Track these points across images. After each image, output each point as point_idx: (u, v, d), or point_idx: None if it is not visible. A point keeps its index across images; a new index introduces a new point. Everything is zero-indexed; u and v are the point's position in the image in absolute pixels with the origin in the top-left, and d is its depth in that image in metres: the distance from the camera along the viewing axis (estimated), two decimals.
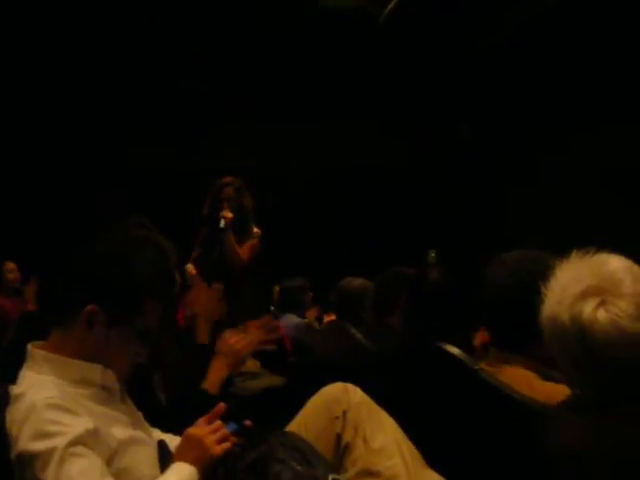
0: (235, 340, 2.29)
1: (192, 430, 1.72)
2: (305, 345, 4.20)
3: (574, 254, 1.52)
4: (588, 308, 1.39)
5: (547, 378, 1.92)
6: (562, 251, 1.56)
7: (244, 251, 4.25)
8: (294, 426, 2.07)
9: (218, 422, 1.73)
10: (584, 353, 1.41)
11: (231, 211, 4.21)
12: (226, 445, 1.68)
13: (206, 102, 8.49)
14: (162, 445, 1.80)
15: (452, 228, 8.67)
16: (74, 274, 1.71)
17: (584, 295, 1.41)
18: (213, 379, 2.21)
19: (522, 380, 1.91)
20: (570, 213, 7.39)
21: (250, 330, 2.33)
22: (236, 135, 8.80)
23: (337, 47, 7.97)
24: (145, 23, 7.35)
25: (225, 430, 1.72)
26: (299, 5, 7.43)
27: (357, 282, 3.84)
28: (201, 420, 1.75)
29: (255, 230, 4.41)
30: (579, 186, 7.48)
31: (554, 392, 1.76)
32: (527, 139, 8.22)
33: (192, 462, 1.64)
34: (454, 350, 2.06)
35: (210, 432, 1.69)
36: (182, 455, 1.67)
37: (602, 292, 1.40)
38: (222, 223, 4.15)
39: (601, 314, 1.38)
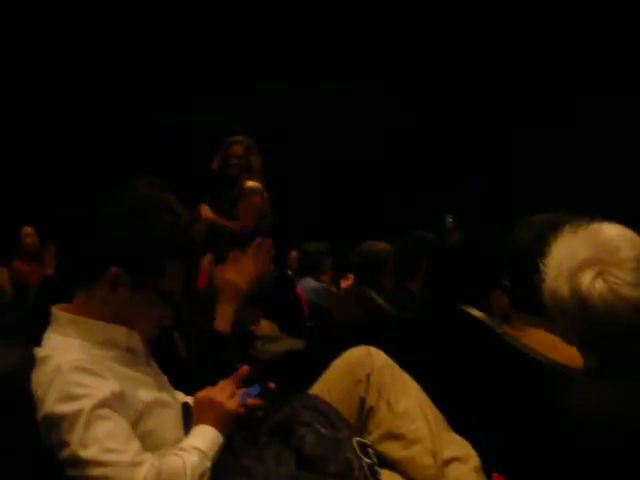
0: (229, 272, 2.21)
1: (201, 393, 1.74)
2: (323, 309, 4.20)
3: (567, 227, 1.50)
4: (586, 280, 1.38)
5: (569, 342, 1.91)
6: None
7: (244, 211, 4.16)
8: (317, 389, 2.07)
9: (227, 381, 1.75)
10: (586, 325, 1.40)
11: (238, 167, 4.20)
12: (237, 399, 1.70)
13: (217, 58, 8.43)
14: (186, 407, 1.81)
15: (469, 193, 8.63)
16: (97, 237, 1.70)
17: (581, 267, 1.40)
18: (222, 317, 2.15)
19: (546, 343, 1.90)
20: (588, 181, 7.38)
21: (241, 259, 2.24)
22: (252, 91, 8.74)
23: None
24: None
25: (233, 386, 1.73)
26: None
27: (378, 246, 3.80)
28: (225, 382, 1.76)
29: (250, 185, 4.28)
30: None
31: (578, 356, 1.75)
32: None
33: (212, 423, 1.66)
34: (477, 313, 2.05)
35: (220, 390, 1.71)
36: (201, 418, 1.69)
37: (598, 262, 1.39)
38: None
39: (599, 284, 1.37)
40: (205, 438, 1.62)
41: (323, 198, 8.43)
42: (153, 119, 8.39)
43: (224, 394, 1.70)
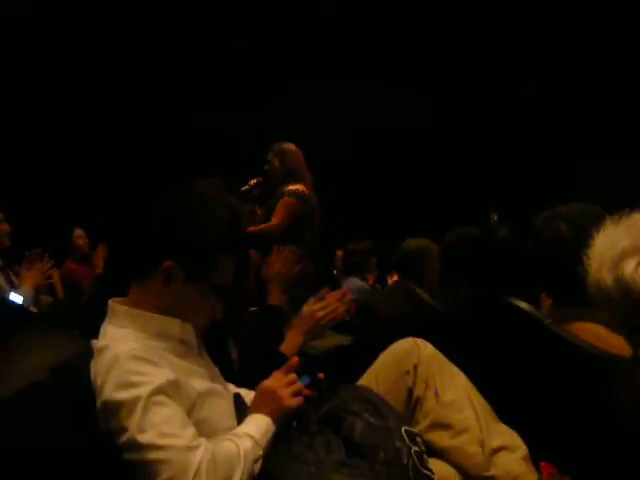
0: (316, 309, 2.34)
1: (267, 383, 1.76)
2: (368, 307, 4.21)
3: (609, 220, 1.51)
4: (628, 268, 1.38)
5: (616, 330, 1.91)
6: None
7: (277, 213, 4.18)
8: (365, 380, 2.10)
9: (292, 375, 1.77)
10: (633, 312, 1.41)
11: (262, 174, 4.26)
12: (300, 398, 1.73)
13: (253, 61, 8.47)
14: (238, 398, 1.85)
15: (513, 192, 8.56)
16: (151, 232, 1.75)
17: (622, 257, 1.40)
18: (290, 344, 2.27)
19: (592, 333, 1.90)
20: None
21: (329, 301, 2.37)
22: (288, 93, 8.77)
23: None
24: None
25: (299, 383, 1.76)
26: None
27: (420, 242, 3.82)
28: (276, 373, 1.79)
29: (285, 189, 4.24)
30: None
31: (624, 345, 1.74)
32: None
33: (268, 414, 1.69)
34: (524, 305, 2.06)
35: (285, 385, 1.74)
36: (258, 407, 1.72)
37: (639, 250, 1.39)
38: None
39: None
40: (259, 426, 1.66)
41: (368, 198, 8.43)
42: (200, 119, 8.48)
43: (288, 390, 1.73)
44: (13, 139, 7.64)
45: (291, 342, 2.30)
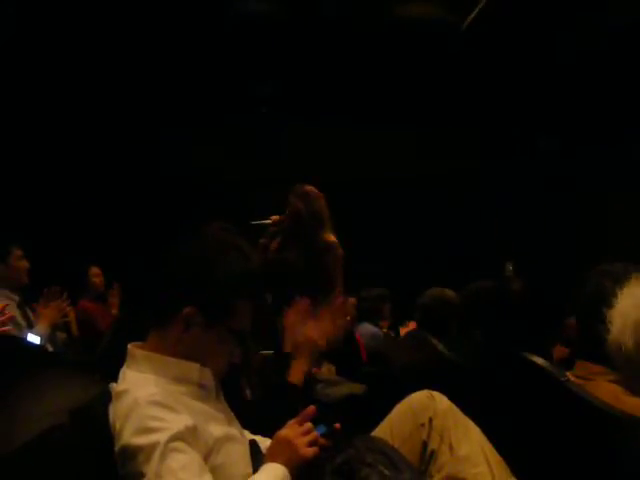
0: (310, 329, 2.29)
1: (283, 432, 1.75)
2: (381, 354, 4.20)
3: (633, 279, 1.51)
4: None
5: (635, 393, 1.90)
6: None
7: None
8: (380, 431, 2.10)
9: (309, 424, 1.77)
10: None
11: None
12: (316, 447, 1.73)
13: (278, 107, 8.56)
14: (254, 444, 1.85)
15: (527, 241, 8.56)
16: (171, 278, 1.78)
17: None
18: (296, 372, 2.23)
19: (609, 393, 1.89)
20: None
21: (323, 316, 2.33)
22: (306, 139, 8.82)
23: (414, 55, 7.94)
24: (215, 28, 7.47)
25: (315, 433, 1.76)
26: (374, 13, 7.41)
27: (445, 292, 3.81)
28: (292, 421, 1.79)
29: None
30: None
31: None
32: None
33: (283, 463, 1.68)
34: (540, 360, 2.05)
35: (300, 434, 1.73)
36: (273, 456, 1.71)
37: None
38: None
39: None
40: (275, 475, 1.65)
41: (382, 245, 8.43)
42: (216, 168, 8.57)
43: (304, 439, 1.71)
44: (32, 176, 7.73)
45: (297, 370, 2.25)
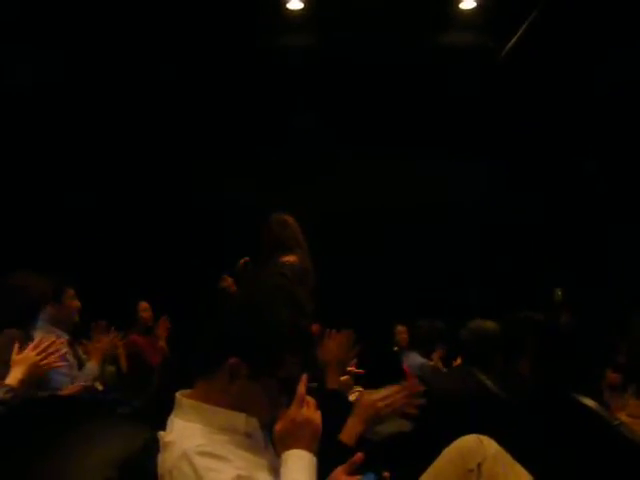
0: (377, 399, 2.26)
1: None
2: (426, 386, 4.15)
3: None
4: None
5: None
6: None
7: None
8: (429, 476, 2.08)
9: (342, 467, 1.74)
10: None
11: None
12: None
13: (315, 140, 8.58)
14: None
15: (577, 267, 8.40)
16: (217, 329, 1.79)
17: None
18: (350, 432, 2.18)
19: None
20: None
21: (392, 391, 2.29)
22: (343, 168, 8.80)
23: (453, 85, 7.94)
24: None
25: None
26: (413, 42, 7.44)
27: (487, 325, 3.74)
28: (339, 469, 1.77)
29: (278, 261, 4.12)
30: None
31: None
32: None
33: None
34: (591, 402, 2.02)
35: None
36: None
37: None
38: None
39: None
40: None
41: (434, 275, 8.32)
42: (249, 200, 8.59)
43: None
44: (78, 214, 7.87)
45: (351, 430, 2.20)
